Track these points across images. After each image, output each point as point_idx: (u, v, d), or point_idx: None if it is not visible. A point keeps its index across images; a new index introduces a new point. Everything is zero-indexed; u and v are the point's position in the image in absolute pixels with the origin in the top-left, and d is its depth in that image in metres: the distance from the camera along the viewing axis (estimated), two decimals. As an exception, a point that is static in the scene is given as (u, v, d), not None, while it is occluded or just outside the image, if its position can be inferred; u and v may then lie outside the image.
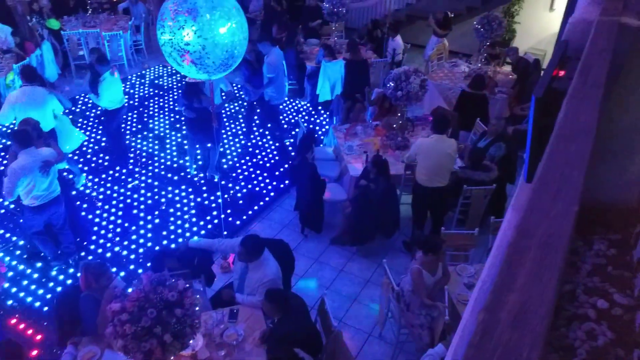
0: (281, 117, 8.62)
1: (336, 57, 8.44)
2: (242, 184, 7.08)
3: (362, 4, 12.27)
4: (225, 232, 5.94)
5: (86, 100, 8.89)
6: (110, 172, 7.17)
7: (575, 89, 1.37)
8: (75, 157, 7.12)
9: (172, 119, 8.69)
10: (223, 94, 7.67)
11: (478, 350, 0.74)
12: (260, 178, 7.24)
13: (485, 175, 5.64)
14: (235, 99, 9.29)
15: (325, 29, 10.50)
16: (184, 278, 3.83)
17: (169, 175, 7.19)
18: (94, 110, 8.70)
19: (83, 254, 5.71)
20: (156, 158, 7.59)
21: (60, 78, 9.50)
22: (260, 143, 8.12)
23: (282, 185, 7.08)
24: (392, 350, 4.73)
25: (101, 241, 5.93)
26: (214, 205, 6.58)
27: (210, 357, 3.70)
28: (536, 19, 11.82)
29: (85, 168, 7.15)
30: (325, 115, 9.01)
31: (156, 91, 9.73)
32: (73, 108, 8.59)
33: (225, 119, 8.59)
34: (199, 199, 6.71)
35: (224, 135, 8.15)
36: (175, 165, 7.43)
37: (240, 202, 6.71)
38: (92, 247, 5.84)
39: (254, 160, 7.66)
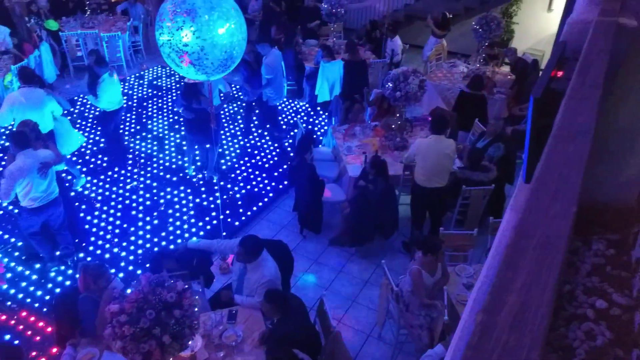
0: (280, 118, 8.63)
1: (335, 57, 8.45)
2: (241, 184, 7.08)
3: (360, 5, 12.28)
4: (224, 233, 5.93)
5: (85, 101, 8.88)
6: (109, 173, 7.17)
7: (574, 89, 1.38)
8: (74, 159, 7.11)
9: (171, 120, 8.69)
10: (222, 94, 7.67)
11: (477, 351, 0.74)
12: (259, 179, 7.23)
13: (484, 175, 5.64)
14: (234, 100, 9.28)
15: (324, 30, 10.51)
16: (183, 279, 3.83)
17: (168, 176, 7.18)
18: (92, 111, 8.70)
19: (82, 255, 5.70)
20: (155, 159, 7.58)
21: (59, 79, 9.50)
22: (259, 144, 8.11)
23: (280, 186, 7.08)
24: (391, 351, 4.73)
25: (100, 242, 5.93)
26: (212, 206, 6.57)
27: (209, 358, 3.70)
28: (534, 20, 11.82)
29: (84, 169, 7.15)
30: (324, 116, 9.01)
31: (155, 92, 9.72)
32: (71, 109, 8.58)
33: (224, 120, 8.59)
34: (197, 200, 6.70)
35: (223, 136, 8.15)
36: (174, 166, 7.42)
37: (239, 202, 6.71)
38: (91, 248, 5.84)
39: (253, 161, 7.66)
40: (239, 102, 9.22)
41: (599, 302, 1.49)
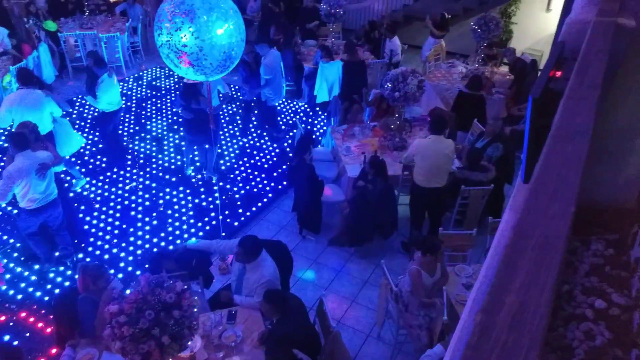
0: (279, 118, 8.63)
1: (334, 58, 8.45)
2: (240, 185, 7.08)
3: (359, 5, 12.29)
4: (223, 234, 5.93)
5: (83, 102, 8.87)
6: (108, 173, 7.16)
7: (572, 89, 1.38)
8: (73, 159, 7.11)
9: (170, 121, 8.68)
10: (221, 95, 7.67)
11: (476, 352, 0.74)
12: (258, 179, 7.23)
13: (482, 175, 5.65)
14: (232, 100, 9.28)
15: (323, 30, 10.51)
16: (182, 279, 3.83)
17: (167, 176, 7.18)
18: (91, 112, 8.69)
19: (81, 255, 5.70)
20: (154, 159, 7.58)
21: (58, 80, 9.49)
22: (258, 144, 8.11)
23: (280, 187, 7.08)
24: (390, 351, 4.73)
25: (99, 243, 5.92)
26: (211, 206, 6.57)
27: (209, 359, 3.70)
28: (533, 20, 11.83)
29: (83, 170, 7.14)
30: (323, 117, 9.01)
31: (154, 92, 9.72)
32: (70, 110, 8.57)
33: (222, 121, 8.59)
34: (196, 201, 6.70)
35: (222, 137, 8.15)
36: (173, 166, 7.42)
37: (238, 203, 6.71)
38: (90, 249, 5.83)
39: (252, 161, 7.66)
40: (237, 103, 9.21)
41: (598, 302, 1.49)
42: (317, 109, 9.11)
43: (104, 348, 3.64)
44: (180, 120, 7.95)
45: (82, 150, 7.53)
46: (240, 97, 8.86)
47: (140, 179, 7.09)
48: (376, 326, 4.96)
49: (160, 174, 7.22)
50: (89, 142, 7.87)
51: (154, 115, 8.86)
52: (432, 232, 5.60)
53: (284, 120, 8.87)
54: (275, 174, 7.35)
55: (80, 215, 6.30)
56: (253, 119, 8.34)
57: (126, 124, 8.49)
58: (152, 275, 3.14)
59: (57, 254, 5.50)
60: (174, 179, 7.12)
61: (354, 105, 7.69)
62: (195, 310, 3.13)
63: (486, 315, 0.79)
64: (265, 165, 7.57)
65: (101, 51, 9.50)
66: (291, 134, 8.28)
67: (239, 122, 8.55)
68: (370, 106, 7.55)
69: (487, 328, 0.77)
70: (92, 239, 5.96)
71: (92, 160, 7.47)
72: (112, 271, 5.31)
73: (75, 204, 6.43)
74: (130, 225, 6.20)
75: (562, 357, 1.35)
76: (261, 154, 7.84)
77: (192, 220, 6.34)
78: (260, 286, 4.08)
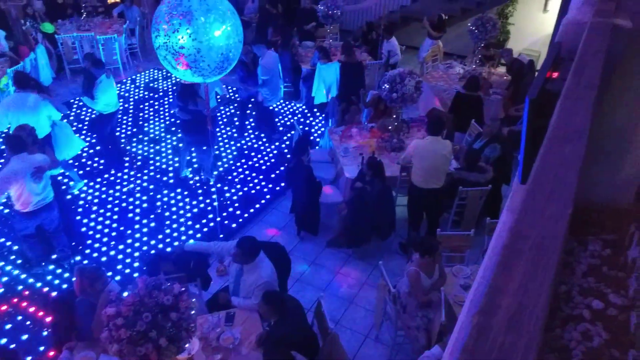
0: (277, 120, 8.63)
1: (331, 59, 8.46)
2: (238, 186, 7.07)
3: (356, 7, 12.30)
4: (221, 235, 5.92)
5: (81, 104, 8.86)
6: (106, 175, 7.15)
7: (569, 90, 1.38)
8: (71, 161, 7.10)
9: (168, 122, 8.67)
10: (218, 97, 7.67)
11: (473, 353, 0.74)
12: (256, 181, 7.23)
13: (480, 176, 5.65)
14: (230, 102, 9.28)
15: (320, 32, 10.52)
16: (180, 282, 3.82)
17: (165, 178, 7.17)
18: (89, 114, 8.67)
19: (78, 258, 5.68)
20: (152, 161, 7.57)
21: (55, 82, 9.47)
22: (256, 145, 8.11)
23: (278, 188, 7.07)
24: (388, 352, 4.72)
25: (96, 245, 5.91)
26: (209, 208, 6.56)
27: (207, 361, 3.69)
28: (530, 20, 11.85)
29: (80, 172, 7.13)
30: (320, 118, 9.01)
31: (151, 94, 9.71)
32: (68, 112, 8.56)
33: (220, 122, 8.58)
34: (194, 202, 6.69)
35: (220, 138, 8.14)
36: (170, 168, 7.41)
37: (236, 204, 6.70)
38: (88, 251, 5.82)
39: (250, 162, 7.65)
40: (235, 104, 9.21)
41: (596, 302, 1.49)
42: (315, 110, 9.11)
43: (102, 351, 3.63)
44: (177, 121, 7.94)
45: (79, 152, 7.51)
46: (238, 98, 8.86)
47: (138, 181, 7.08)
48: (374, 327, 4.95)
49: (158, 176, 7.21)
50: (87, 144, 7.85)
51: (151, 117, 8.85)
52: (430, 233, 5.60)
53: (282, 121, 8.86)
54: (273, 175, 7.34)
55: (78, 217, 6.28)
56: (250, 119, 8.34)
57: (124, 126, 8.48)
58: (150, 277, 3.13)
59: (54, 256, 5.48)
60: (171, 181, 7.11)
61: (351, 106, 7.70)
62: (193, 312, 3.12)
63: (483, 316, 0.79)
64: (263, 167, 7.57)
65: (98, 53, 9.50)
66: (289, 135, 8.27)
67: (237, 122, 8.55)
68: (367, 107, 7.56)
69: (485, 329, 0.77)
70: (89, 241, 5.94)
71: (89, 163, 7.46)
72: (109, 273, 5.30)
73: (73, 206, 6.41)
74: (128, 227, 6.19)
75: (560, 358, 1.34)
76: (259, 156, 7.83)
77: (190, 222, 6.33)
78: (258, 288, 4.07)
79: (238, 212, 6.55)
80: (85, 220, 6.26)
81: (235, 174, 7.36)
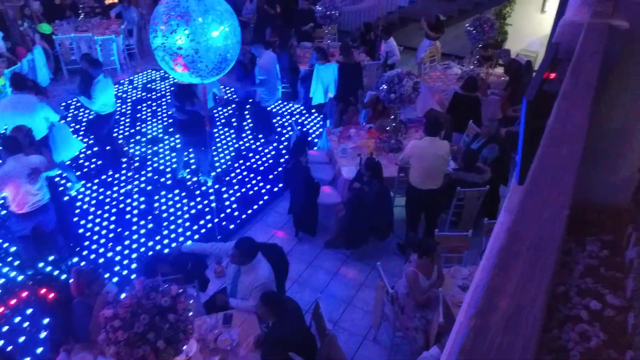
0: (274, 120, 8.62)
1: (329, 60, 8.46)
2: (236, 187, 7.06)
3: (354, 7, 12.31)
4: (219, 237, 5.91)
5: (78, 105, 8.84)
6: (103, 177, 7.14)
7: (566, 91, 1.38)
8: (68, 162, 7.08)
9: (165, 123, 8.66)
10: (217, 98, 7.67)
11: (471, 354, 0.74)
12: (254, 181, 7.22)
13: (478, 176, 5.65)
14: (228, 103, 9.27)
15: (318, 32, 10.52)
16: (178, 283, 3.81)
17: (162, 179, 7.16)
18: (86, 115, 8.66)
19: (75, 259, 5.67)
20: (149, 162, 7.56)
21: (52, 82, 9.45)
22: (253, 146, 8.10)
23: (275, 189, 7.07)
24: (386, 353, 4.72)
25: (94, 246, 5.89)
26: (207, 209, 6.55)
27: (205, 363, 3.68)
28: (528, 21, 11.88)
29: (78, 173, 7.11)
30: (318, 118, 9.01)
31: (149, 95, 9.70)
32: (66, 113, 8.56)
33: (218, 123, 8.58)
34: (192, 203, 6.68)
35: (217, 139, 8.14)
36: (168, 169, 7.40)
37: (234, 205, 6.69)
38: (85, 252, 5.80)
39: (248, 163, 7.65)
40: (233, 105, 9.20)
41: (593, 303, 1.49)
42: (313, 111, 9.11)
43: (99, 353, 3.62)
44: (174, 121, 7.92)
45: (77, 153, 7.50)
46: (236, 99, 8.86)
47: (136, 182, 7.06)
48: (372, 328, 4.95)
49: (156, 177, 7.20)
50: (84, 145, 7.83)
51: (149, 118, 8.84)
52: (428, 234, 5.60)
53: (280, 122, 8.86)
54: (271, 176, 7.34)
55: (75, 218, 6.27)
56: (248, 119, 8.33)
57: (121, 127, 8.46)
58: (147, 279, 3.12)
59: (51, 257, 5.47)
60: (169, 182, 7.10)
61: (349, 107, 7.70)
62: (191, 314, 3.12)
63: (481, 317, 0.79)
64: (261, 168, 7.56)
65: (96, 54, 9.48)
66: (287, 135, 8.27)
67: (234, 123, 8.55)
68: (365, 108, 7.56)
69: (482, 330, 0.77)
70: (86, 243, 5.93)
71: (87, 164, 7.44)
72: (107, 275, 5.29)
73: (70, 208, 6.39)
74: (126, 229, 6.17)
75: (558, 359, 1.34)
76: (257, 156, 7.83)
77: (187, 223, 6.32)
78: (255, 289, 4.07)
79: (236, 213, 6.54)
80: (82, 222, 6.24)
81: (233, 174, 7.35)
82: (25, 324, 4.88)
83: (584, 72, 1.42)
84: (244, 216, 6.51)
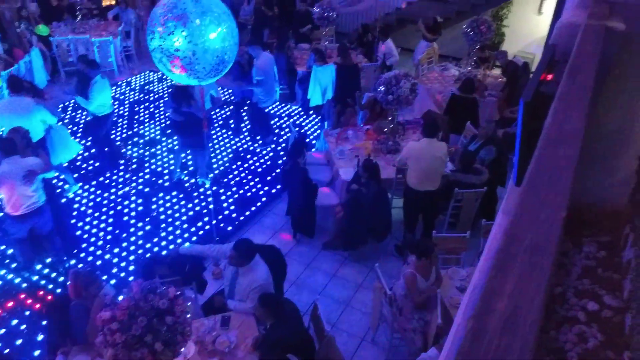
0: (272, 122, 8.62)
1: (327, 61, 8.46)
2: (234, 189, 7.06)
3: (352, 9, 12.32)
4: (217, 238, 5.91)
5: (76, 106, 8.83)
6: (101, 178, 7.12)
7: (563, 92, 1.38)
8: (65, 164, 7.07)
9: (163, 125, 8.66)
10: (215, 99, 7.66)
11: (469, 355, 0.74)
12: (252, 183, 7.22)
13: (476, 178, 5.66)
14: (224, 104, 9.27)
15: (316, 34, 10.52)
16: (175, 285, 3.81)
17: (160, 181, 7.15)
18: (84, 117, 8.64)
19: (73, 261, 5.65)
20: (147, 164, 7.55)
21: (50, 84, 9.44)
22: (251, 148, 8.10)
23: (273, 190, 7.06)
24: (385, 355, 4.72)
25: (91, 249, 5.88)
26: (205, 211, 6.54)
27: (203, 365, 3.68)
28: (525, 23, 11.92)
29: (75, 175, 7.10)
30: (316, 120, 9.01)
31: (146, 97, 9.69)
32: (63, 115, 8.54)
33: (216, 125, 8.57)
34: (190, 205, 6.67)
35: (215, 141, 8.13)
36: (166, 171, 7.39)
37: (232, 207, 6.68)
38: (82, 254, 5.79)
39: (246, 165, 7.64)
40: (231, 107, 9.19)
41: (591, 304, 1.49)
42: (311, 112, 9.11)
43: (96, 355, 3.61)
44: (169, 122, 7.92)
45: (75, 155, 7.48)
46: (234, 100, 8.85)
47: (133, 184, 7.05)
48: (370, 330, 4.95)
49: (154, 179, 7.19)
50: (82, 147, 7.82)
51: (146, 120, 8.83)
52: (426, 235, 5.60)
53: (278, 123, 8.86)
54: (269, 178, 7.33)
55: (73, 220, 6.25)
56: (246, 120, 8.33)
57: (119, 129, 8.45)
58: (145, 281, 3.12)
59: (48, 260, 5.45)
60: (167, 184, 7.09)
61: (347, 108, 7.71)
62: (189, 316, 3.11)
63: (479, 319, 0.79)
64: (259, 169, 7.56)
65: (93, 55, 9.47)
66: (285, 137, 8.27)
67: (232, 125, 8.55)
68: (363, 109, 7.56)
69: (480, 332, 0.77)
70: (84, 245, 5.91)
71: (84, 166, 7.43)
72: (104, 277, 5.28)
73: (68, 210, 6.37)
74: (123, 231, 6.16)
75: (556, 360, 1.34)
76: (255, 158, 7.82)
77: (185, 225, 6.31)
78: (253, 291, 4.06)
79: (234, 215, 6.54)
80: (80, 224, 6.23)
81: (230, 176, 7.35)
82: (23, 327, 4.87)
83: (581, 74, 1.42)
84: (241, 218, 6.50)
